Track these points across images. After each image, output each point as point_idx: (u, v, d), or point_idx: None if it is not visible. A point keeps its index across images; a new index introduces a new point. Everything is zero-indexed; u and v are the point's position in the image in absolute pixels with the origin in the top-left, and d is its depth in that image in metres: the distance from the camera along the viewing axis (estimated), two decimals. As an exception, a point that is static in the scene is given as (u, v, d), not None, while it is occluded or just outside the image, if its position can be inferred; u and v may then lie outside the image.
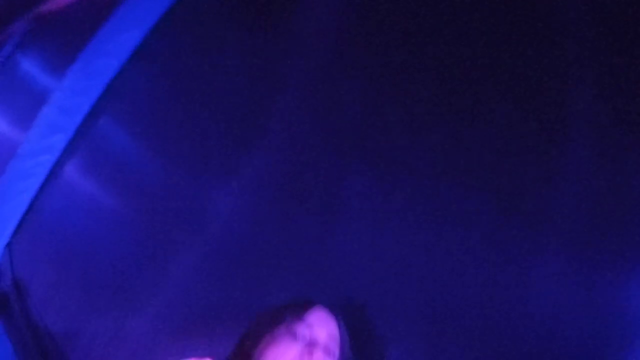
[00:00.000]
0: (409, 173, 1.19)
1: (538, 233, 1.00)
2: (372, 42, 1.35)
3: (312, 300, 1.10)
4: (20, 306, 1.66)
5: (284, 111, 1.46)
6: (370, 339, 1.15)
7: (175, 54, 1.78)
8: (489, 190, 1.07)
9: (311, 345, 1.00)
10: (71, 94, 1.88)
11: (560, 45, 1.06)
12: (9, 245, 1.92)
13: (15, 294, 1.72)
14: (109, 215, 1.65)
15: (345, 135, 1.33)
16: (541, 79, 1.07)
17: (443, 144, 1.16)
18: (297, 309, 1.05)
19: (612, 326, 0.91)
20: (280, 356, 0.98)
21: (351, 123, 1.33)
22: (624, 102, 0.97)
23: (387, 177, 1.22)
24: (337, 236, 1.26)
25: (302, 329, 1.02)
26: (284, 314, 1.05)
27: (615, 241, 0.94)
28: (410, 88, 1.25)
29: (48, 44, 2.49)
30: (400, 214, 1.18)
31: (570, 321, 0.94)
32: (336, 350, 1.05)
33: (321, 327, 1.03)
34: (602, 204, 0.95)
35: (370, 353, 1.14)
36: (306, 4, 1.52)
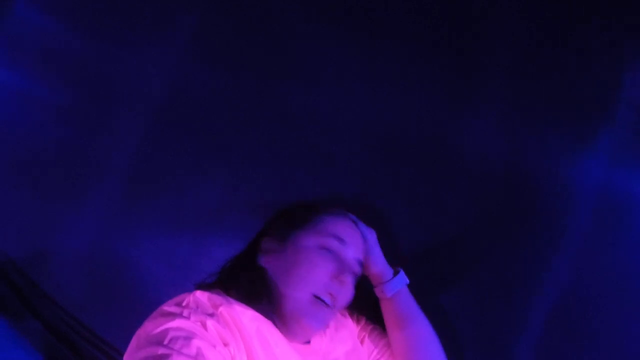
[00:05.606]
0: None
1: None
2: None
3: (331, 204, 1.04)
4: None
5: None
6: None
7: None
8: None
9: (343, 265, 0.94)
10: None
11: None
12: None
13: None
14: (40, 104, 1.55)
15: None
16: None
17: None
18: (326, 217, 0.97)
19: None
20: (309, 275, 0.91)
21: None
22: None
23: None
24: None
25: (334, 245, 0.94)
26: (312, 218, 0.96)
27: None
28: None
29: None
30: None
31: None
32: (360, 268, 0.99)
33: (351, 244, 0.96)
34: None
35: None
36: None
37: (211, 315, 0.82)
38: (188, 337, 0.76)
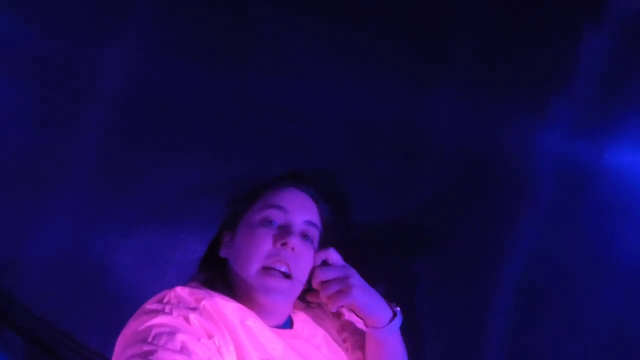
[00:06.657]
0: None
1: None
2: None
3: (285, 175, 1.05)
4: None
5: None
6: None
7: None
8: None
9: (286, 230, 0.95)
10: None
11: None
12: None
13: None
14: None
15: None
16: None
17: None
18: (270, 189, 1.00)
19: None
20: (252, 249, 0.93)
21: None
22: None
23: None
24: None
25: (274, 214, 0.96)
26: (257, 197, 1.00)
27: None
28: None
29: None
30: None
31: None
32: (315, 234, 1.00)
33: (295, 208, 0.98)
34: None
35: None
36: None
37: (193, 309, 0.83)
38: (172, 332, 0.77)
